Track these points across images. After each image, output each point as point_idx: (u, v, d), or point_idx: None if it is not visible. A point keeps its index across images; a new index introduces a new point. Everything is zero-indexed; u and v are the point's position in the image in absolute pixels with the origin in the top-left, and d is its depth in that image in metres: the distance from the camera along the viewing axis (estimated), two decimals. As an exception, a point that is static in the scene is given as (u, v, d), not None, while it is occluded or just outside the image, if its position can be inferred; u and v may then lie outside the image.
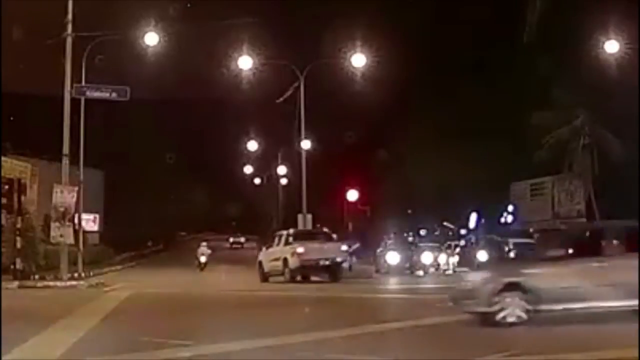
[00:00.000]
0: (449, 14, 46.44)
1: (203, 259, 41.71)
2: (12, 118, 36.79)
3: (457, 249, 39.20)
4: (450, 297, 15.05)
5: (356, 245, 40.70)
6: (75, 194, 28.96)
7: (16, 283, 25.84)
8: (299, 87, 39.89)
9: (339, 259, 29.05)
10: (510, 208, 50.76)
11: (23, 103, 37.96)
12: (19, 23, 31.54)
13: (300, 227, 37.97)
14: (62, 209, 28.08)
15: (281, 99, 41.87)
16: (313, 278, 29.61)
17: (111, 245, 47.31)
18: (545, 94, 42.71)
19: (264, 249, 32.97)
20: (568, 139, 45.06)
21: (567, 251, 14.29)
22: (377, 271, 35.45)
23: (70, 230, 28.50)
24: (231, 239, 71.07)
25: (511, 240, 39.11)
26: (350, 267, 33.72)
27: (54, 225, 28.21)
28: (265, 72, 38.63)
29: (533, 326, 14.49)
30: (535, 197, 53.59)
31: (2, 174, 30.18)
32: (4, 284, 24.15)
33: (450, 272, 38.84)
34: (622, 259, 14.20)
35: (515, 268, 15.18)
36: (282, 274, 29.19)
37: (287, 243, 29.98)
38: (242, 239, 73.07)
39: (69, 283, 26.78)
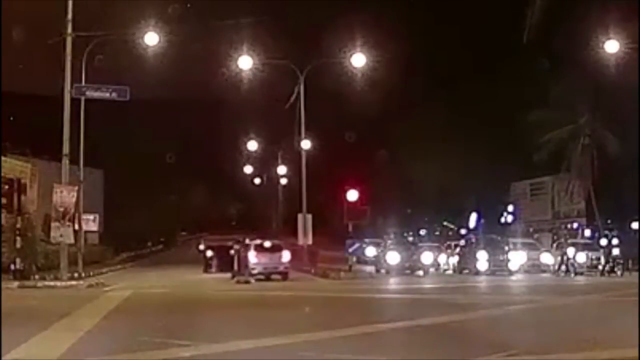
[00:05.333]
0: (449, 13, 46.47)
1: (202, 247, 45.82)
2: (12, 118, 36.79)
3: (457, 249, 39.23)
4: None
5: (356, 245, 40.70)
6: (75, 194, 28.95)
7: (16, 283, 25.83)
8: (299, 87, 39.91)
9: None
10: (510, 208, 50.82)
11: (23, 103, 37.93)
12: (19, 23, 31.54)
13: (300, 227, 39.27)
14: (62, 209, 28.07)
15: (288, 104, 41.73)
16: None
17: (111, 245, 47.31)
18: (545, 94, 42.75)
19: None
20: (568, 139, 45.15)
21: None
22: (377, 271, 35.47)
23: (70, 230, 28.49)
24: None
25: (511, 240, 39.23)
26: (350, 267, 33.76)
27: (54, 225, 28.20)
28: (265, 72, 38.65)
29: (534, 326, 14.54)
30: (535, 197, 53.65)
31: (2, 174, 30.20)
32: (4, 284, 24.16)
33: (450, 271, 38.91)
34: None
35: None
36: None
37: None
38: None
39: (69, 283, 26.76)
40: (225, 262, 34.42)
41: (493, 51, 45.50)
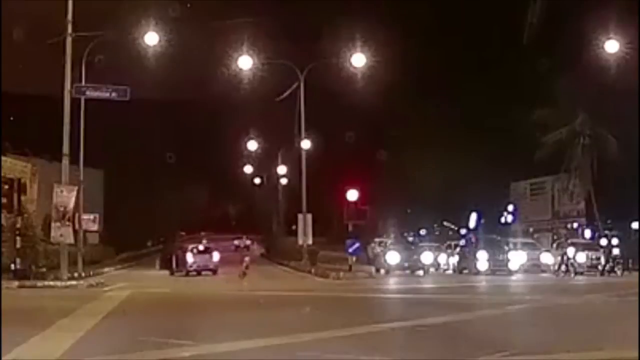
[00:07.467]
0: (449, 13, 46.44)
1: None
2: (12, 118, 36.76)
3: (457, 249, 39.25)
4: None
5: (356, 245, 40.72)
6: (75, 194, 28.95)
7: (16, 283, 25.83)
8: (299, 86, 39.91)
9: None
10: (510, 208, 50.80)
11: (23, 103, 37.88)
12: (19, 23, 31.51)
13: (300, 227, 39.80)
14: (62, 209, 28.07)
15: (280, 98, 41.89)
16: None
17: (111, 245, 47.28)
18: (545, 94, 42.73)
19: None
20: (568, 139, 45.14)
21: None
22: (377, 271, 35.48)
23: (70, 230, 28.49)
24: None
25: (511, 240, 39.27)
26: (350, 267, 33.77)
27: (54, 225, 28.19)
28: (265, 72, 38.60)
29: (534, 326, 14.55)
30: (535, 197, 53.66)
31: (2, 174, 30.17)
32: (4, 284, 24.15)
33: (450, 271, 38.93)
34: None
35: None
36: None
37: None
38: None
39: (69, 283, 26.76)
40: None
41: (493, 51, 45.48)
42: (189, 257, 37.67)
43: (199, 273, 37.07)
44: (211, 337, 12.47)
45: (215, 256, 38.40)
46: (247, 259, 35.12)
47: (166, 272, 38.20)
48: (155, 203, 59.60)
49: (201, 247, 38.79)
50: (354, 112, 45.69)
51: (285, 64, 39.61)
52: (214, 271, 37.47)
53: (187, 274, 36.80)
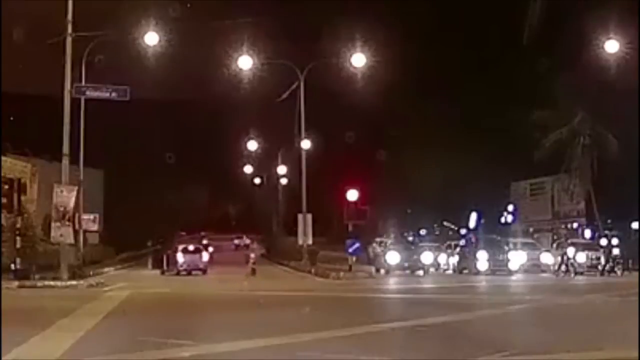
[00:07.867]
0: (449, 13, 46.45)
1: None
2: (12, 118, 36.77)
3: (457, 249, 39.24)
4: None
5: (356, 245, 40.72)
6: (75, 194, 28.95)
7: (16, 283, 25.82)
8: (298, 86, 39.90)
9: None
10: (510, 208, 50.82)
11: (23, 103, 37.88)
12: (19, 23, 31.51)
13: (300, 227, 39.80)
14: (62, 209, 28.06)
15: (281, 99, 41.90)
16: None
17: (111, 245, 47.28)
18: (545, 94, 42.73)
19: None
20: (568, 139, 45.14)
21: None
22: (377, 271, 35.48)
23: (70, 230, 28.48)
24: None
25: (511, 240, 39.26)
26: (350, 267, 33.77)
27: (54, 225, 28.17)
28: (265, 71, 38.61)
29: (534, 326, 14.56)
30: (535, 197, 53.67)
31: (2, 174, 30.17)
32: (4, 284, 24.15)
33: (450, 271, 38.93)
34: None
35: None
36: None
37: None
38: None
39: (69, 283, 26.74)
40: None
41: (493, 51, 45.48)
42: (179, 257, 38.66)
43: (189, 273, 37.77)
44: (211, 337, 12.48)
45: (205, 256, 39.59)
46: (252, 255, 36.39)
47: (157, 272, 38.61)
48: (155, 203, 59.59)
49: (191, 247, 39.82)
50: (354, 112, 45.69)
51: (285, 64, 39.61)
52: (204, 271, 38.43)
53: (178, 273, 37.55)
